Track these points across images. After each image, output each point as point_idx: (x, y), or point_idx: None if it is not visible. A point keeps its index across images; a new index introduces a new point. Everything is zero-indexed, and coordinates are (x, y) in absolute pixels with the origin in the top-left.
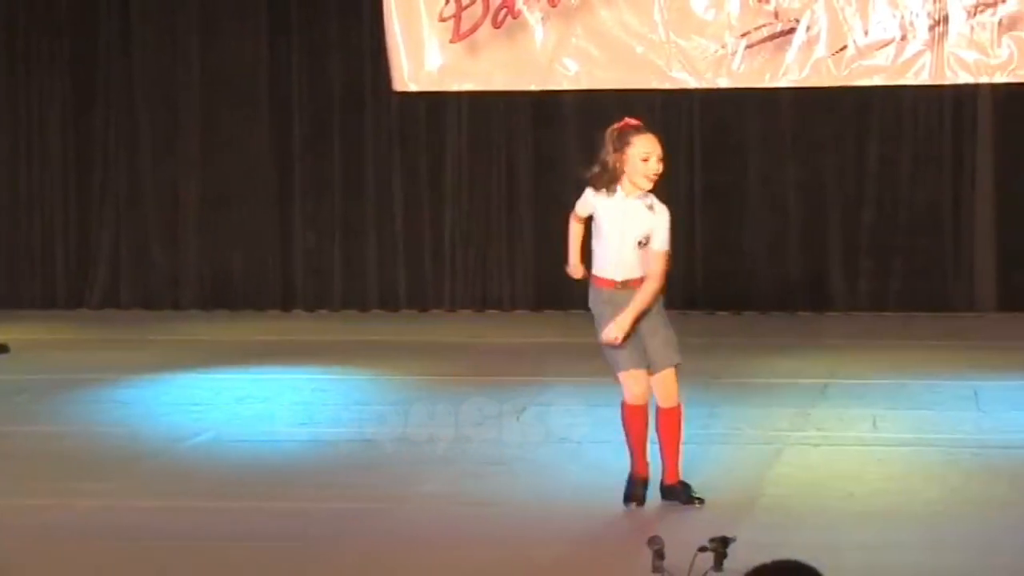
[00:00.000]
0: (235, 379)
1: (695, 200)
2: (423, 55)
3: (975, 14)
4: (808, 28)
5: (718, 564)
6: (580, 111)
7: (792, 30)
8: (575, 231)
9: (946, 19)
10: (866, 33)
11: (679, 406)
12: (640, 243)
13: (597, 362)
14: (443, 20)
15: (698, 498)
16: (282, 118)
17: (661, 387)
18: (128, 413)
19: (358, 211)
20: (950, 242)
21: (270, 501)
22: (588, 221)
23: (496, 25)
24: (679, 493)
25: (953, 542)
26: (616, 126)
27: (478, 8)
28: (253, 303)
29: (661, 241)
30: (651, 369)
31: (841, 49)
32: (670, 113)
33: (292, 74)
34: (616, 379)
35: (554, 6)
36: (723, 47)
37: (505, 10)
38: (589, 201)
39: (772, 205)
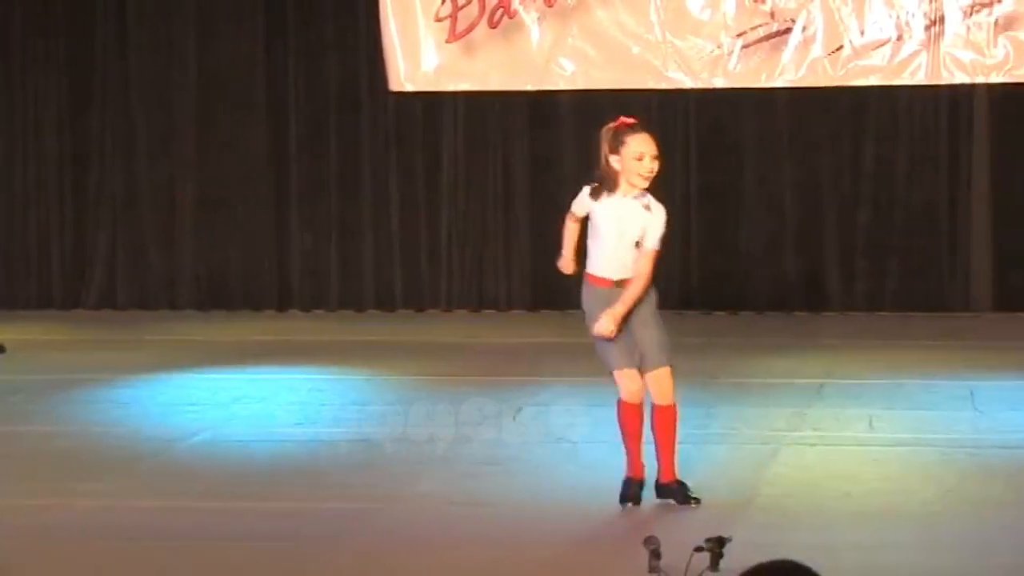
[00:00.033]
0: (231, 379)
1: (691, 200)
2: (419, 55)
3: (971, 14)
4: (804, 28)
5: (714, 564)
6: (576, 111)
7: (788, 30)
8: (571, 230)
9: (942, 19)
10: (862, 33)
11: (674, 405)
12: (637, 243)
13: (593, 362)
14: (439, 20)
15: (694, 498)
16: (278, 119)
17: (656, 385)
18: (125, 413)
19: (354, 211)
20: (946, 242)
21: (267, 501)
22: (584, 219)
23: (492, 25)
24: (675, 492)
25: (949, 542)
26: (611, 125)
27: (474, 8)
28: (249, 303)
29: (653, 240)
30: (643, 368)
31: (837, 49)
32: (666, 113)
33: (288, 75)
34: (612, 377)
35: (550, 6)
36: (719, 47)
37: (501, 10)
38: (586, 201)
39: (768, 205)
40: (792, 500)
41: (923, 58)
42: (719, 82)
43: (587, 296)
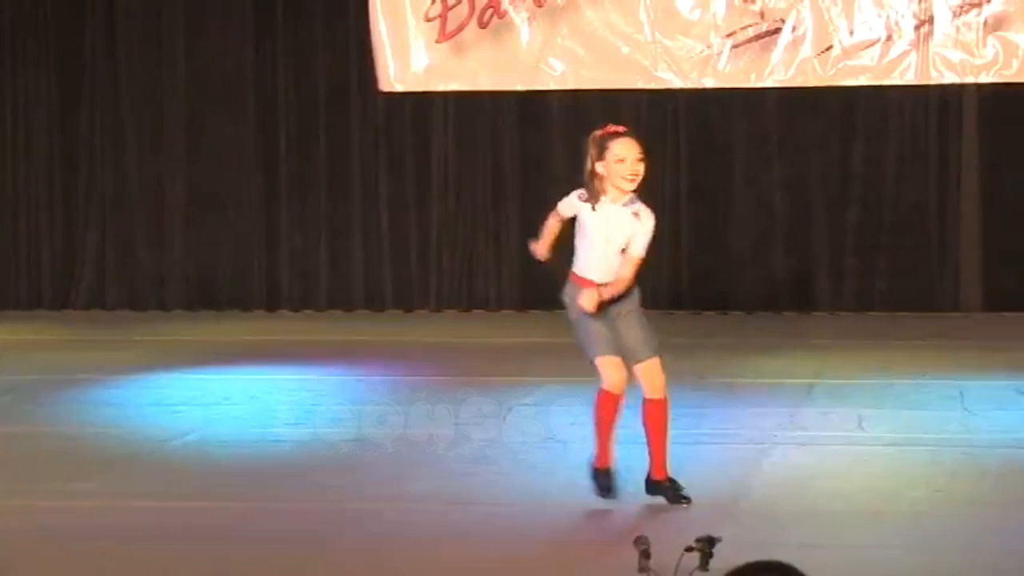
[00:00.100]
0: (221, 379)
1: (680, 200)
2: (409, 55)
3: (960, 14)
4: (794, 28)
5: (704, 564)
6: (566, 111)
7: (778, 30)
8: (551, 226)
9: (931, 19)
10: (852, 33)
11: (665, 398)
12: (624, 249)
13: (583, 362)
14: (429, 20)
15: (685, 498)
16: (268, 119)
17: (647, 377)
18: (115, 413)
19: (344, 211)
20: (935, 242)
21: (259, 501)
22: (568, 221)
23: (482, 25)
24: (666, 490)
25: (938, 542)
26: (597, 133)
27: (464, 8)
28: (239, 303)
29: (639, 247)
30: (632, 361)
31: (827, 49)
32: (656, 113)
33: (278, 75)
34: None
35: (540, 6)
36: (709, 47)
37: (491, 10)
38: (574, 203)
39: (758, 205)
40: (782, 500)
41: (912, 58)
42: (709, 82)
43: (571, 296)
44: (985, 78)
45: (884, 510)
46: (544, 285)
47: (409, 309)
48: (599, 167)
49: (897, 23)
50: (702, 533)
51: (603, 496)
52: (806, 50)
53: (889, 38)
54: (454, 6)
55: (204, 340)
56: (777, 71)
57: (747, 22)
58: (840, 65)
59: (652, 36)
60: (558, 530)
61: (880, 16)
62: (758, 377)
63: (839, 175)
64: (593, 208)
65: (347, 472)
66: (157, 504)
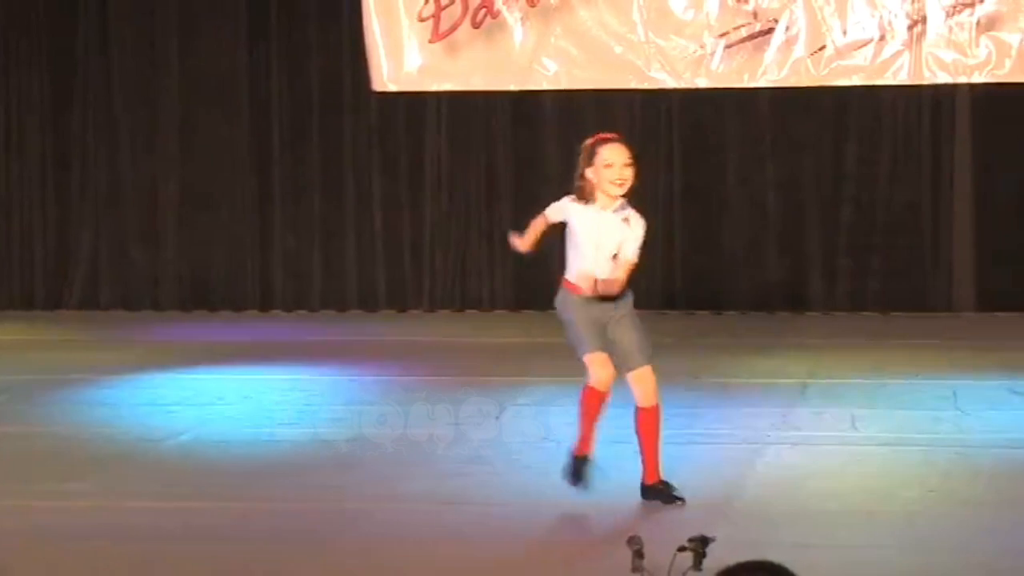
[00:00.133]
0: (215, 379)
1: (674, 200)
2: (402, 55)
3: (953, 14)
4: (787, 28)
5: (697, 563)
6: (559, 111)
7: (771, 30)
8: (537, 225)
9: (924, 19)
10: (845, 33)
11: (657, 405)
12: (615, 256)
13: (576, 362)
14: (422, 20)
15: (679, 498)
16: (261, 119)
17: (639, 385)
18: (109, 413)
19: (337, 212)
20: (929, 242)
21: (252, 501)
22: (556, 226)
23: (475, 25)
24: (660, 492)
25: (932, 542)
26: (588, 141)
27: (457, 8)
28: (232, 304)
29: (631, 252)
30: (625, 369)
31: (820, 49)
32: (649, 113)
33: (271, 75)
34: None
35: (533, 6)
36: (702, 47)
37: (484, 10)
38: (565, 209)
39: (751, 205)
40: (775, 500)
41: (905, 58)
42: (702, 82)
43: (563, 301)
44: (978, 78)
45: (877, 510)
46: (537, 285)
47: (403, 309)
48: (588, 173)
49: (890, 23)
50: (696, 533)
51: (573, 483)
52: (799, 50)
53: (882, 38)
54: (447, 6)
55: (197, 340)
56: (770, 71)
57: (740, 22)
58: (833, 65)
59: (645, 36)
60: (552, 530)
61: (873, 16)
62: (751, 377)
63: (832, 175)
64: (582, 210)
65: (341, 472)
66: (151, 504)
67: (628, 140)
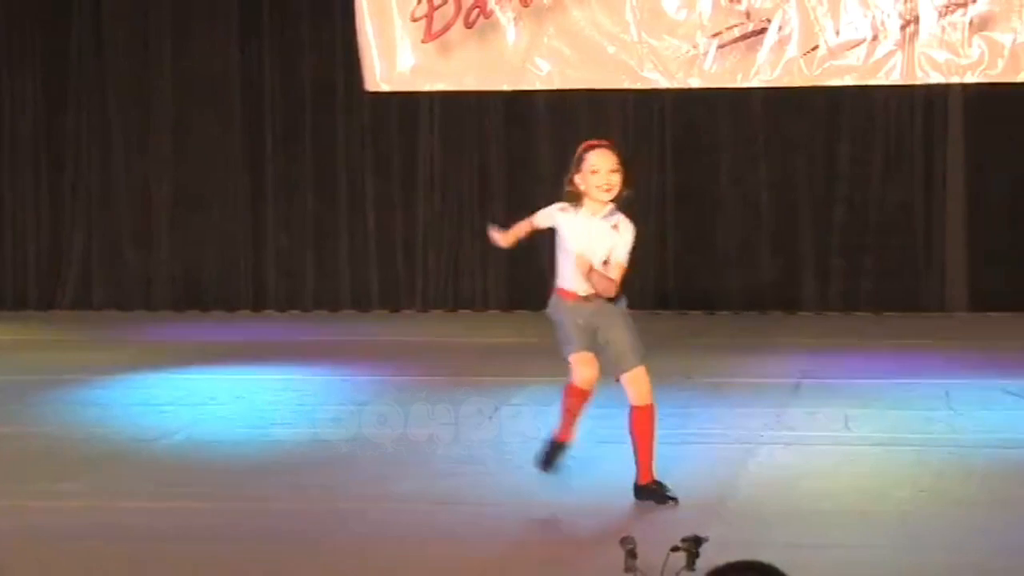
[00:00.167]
0: (207, 379)
1: (666, 200)
2: (395, 55)
3: (946, 14)
4: (780, 28)
5: (690, 563)
6: (552, 111)
7: (764, 30)
8: (522, 226)
9: (917, 19)
10: (837, 33)
11: (651, 405)
12: (604, 262)
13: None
14: (415, 20)
15: (672, 498)
16: (254, 119)
17: (633, 386)
18: (101, 413)
19: (330, 211)
20: (921, 242)
21: (246, 501)
22: (546, 231)
23: (468, 25)
24: (653, 492)
25: (924, 542)
26: (579, 149)
27: (450, 8)
28: (225, 304)
29: (621, 255)
30: (618, 371)
31: (813, 49)
32: (642, 113)
33: (264, 75)
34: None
35: (526, 6)
36: (695, 47)
37: (477, 10)
38: (553, 217)
39: (744, 205)
40: (768, 500)
41: (898, 58)
42: (695, 82)
43: (555, 306)
44: (971, 78)
45: (870, 510)
46: (530, 285)
47: (395, 309)
48: (577, 179)
49: (883, 23)
50: (689, 533)
51: (542, 468)
52: (792, 50)
53: (875, 38)
54: (440, 6)
55: (190, 340)
56: (763, 71)
57: (733, 22)
58: (826, 65)
59: (638, 36)
60: (545, 530)
61: (866, 16)
62: (744, 377)
63: (825, 175)
64: (571, 216)
65: (334, 472)
66: (144, 504)
67: (621, 140)
